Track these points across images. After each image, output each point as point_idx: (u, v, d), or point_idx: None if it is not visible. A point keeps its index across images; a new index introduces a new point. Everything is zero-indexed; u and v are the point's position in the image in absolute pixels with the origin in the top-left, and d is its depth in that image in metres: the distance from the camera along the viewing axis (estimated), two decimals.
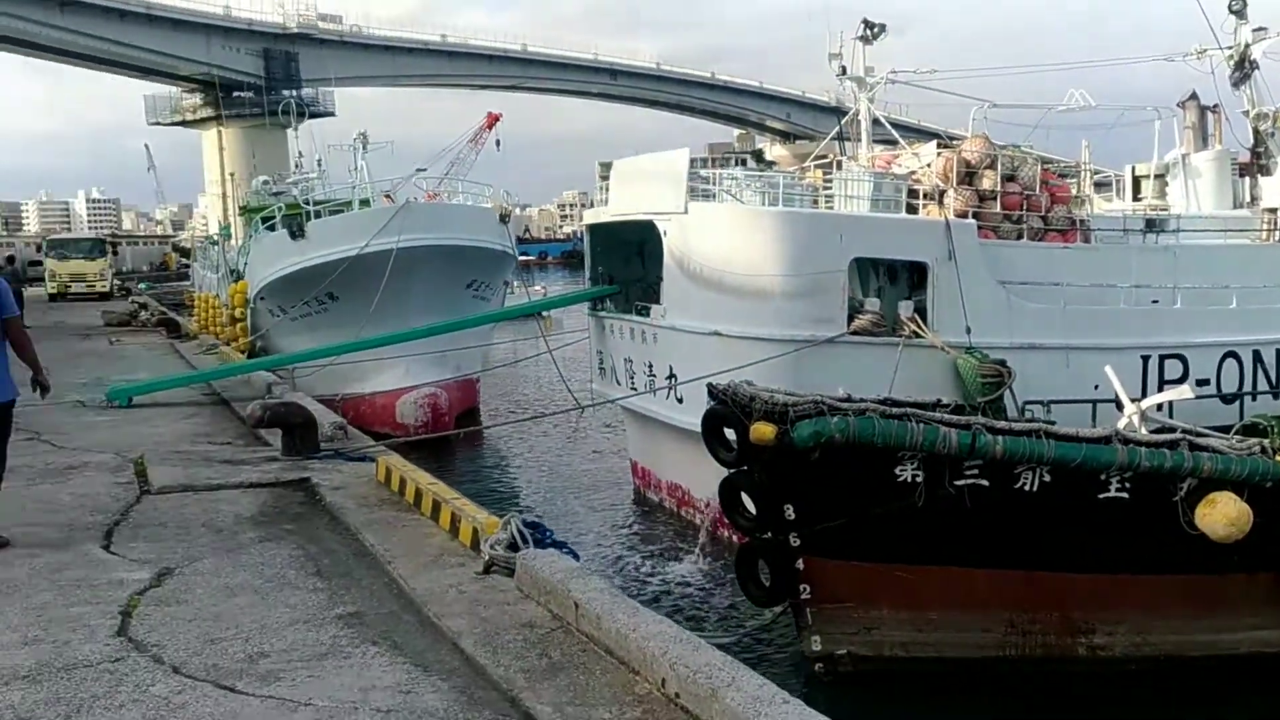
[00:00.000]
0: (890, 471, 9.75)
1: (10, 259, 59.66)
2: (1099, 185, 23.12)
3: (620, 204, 17.50)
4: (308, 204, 26.43)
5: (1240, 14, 21.32)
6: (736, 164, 51.01)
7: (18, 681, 5.82)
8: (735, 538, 13.03)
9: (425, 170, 34.35)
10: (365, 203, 26.98)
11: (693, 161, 16.90)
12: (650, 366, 16.58)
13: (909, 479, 9.77)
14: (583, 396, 20.14)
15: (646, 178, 16.75)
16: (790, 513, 10.12)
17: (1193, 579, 10.17)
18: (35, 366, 9.16)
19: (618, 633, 5.51)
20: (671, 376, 15.84)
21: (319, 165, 37.42)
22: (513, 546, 7.45)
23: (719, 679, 4.57)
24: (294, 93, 73.82)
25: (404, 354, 22.14)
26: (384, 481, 10.55)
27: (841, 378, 12.78)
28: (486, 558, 7.56)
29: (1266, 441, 10.59)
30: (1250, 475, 9.74)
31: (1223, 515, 9.55)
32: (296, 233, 24.40)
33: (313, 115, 72.69)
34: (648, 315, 16.70)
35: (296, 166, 42.20)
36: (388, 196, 27.84)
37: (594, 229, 19.36)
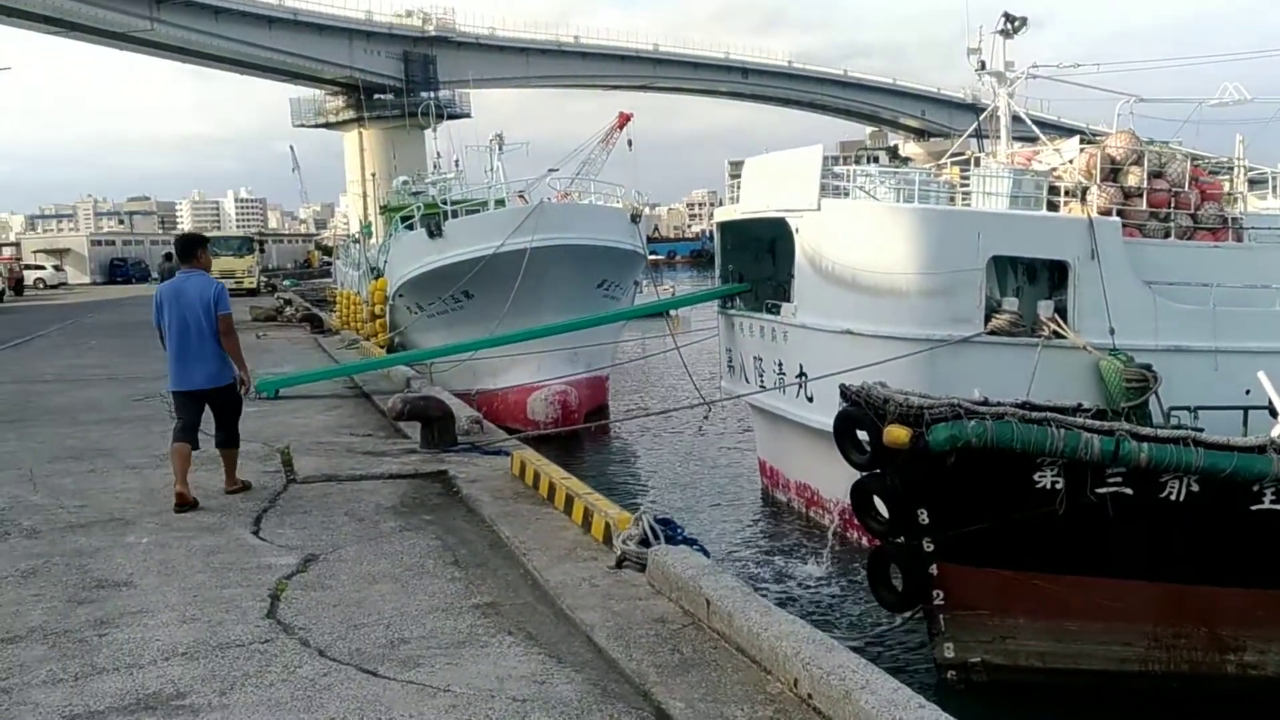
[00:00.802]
0: (1029, 478, 9.52)
1: (168, 256, 62.63)
2: (1254, 183, 22.08)
3: (751, 201, 17.47)
4: (445, 204, 27.11)
5: None
6: (870, 161, 50.41)
7: (177, 658, 6.14)
8: (865, 540, 12.89)
9: (558, 170, 34.95)
10: (500, 203, 27.56)
11: (826, 159, 16.77)
12: (780, 365, 16.51)
13: (1049, 486, 9.52)
14: (711, 395, 20.17)
15: (779, 175, 16.68)
16: (924, 517, 9.96)
17: None
18: (240, 363, 10.18)
19: (749, 631, 5.52)
20: (802, 375, 15.74)
21: (456, 166, 38.34)
22: (644, 542, 7.53)
23: (853, 681, 4.55)
24: (432, 94, 75.61)
25: (536, 351, 22.54)
26: (518, 475, 10.77)
27: (978, 379, 12.52)
28: (619, 552, 7.66)
29: None
30: None
31: None
32: (434, 232, 25.06)
33: (450, 117, 74.39)
34: (778, 313, 16.63)
35: (435, 167, 43.29)
36: (521, 196, 28.39)
37: (724, 227, 19.37)
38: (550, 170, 34.42)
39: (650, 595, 6.93)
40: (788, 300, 16.45)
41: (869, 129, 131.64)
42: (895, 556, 10.30)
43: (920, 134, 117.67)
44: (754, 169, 17.72)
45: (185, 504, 9.59)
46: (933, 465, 9.48)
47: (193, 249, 10.36)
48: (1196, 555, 9.72)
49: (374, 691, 5.64)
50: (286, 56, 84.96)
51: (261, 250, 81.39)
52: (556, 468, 10.49)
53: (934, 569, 10.07)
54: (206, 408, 10.16)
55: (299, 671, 5.92)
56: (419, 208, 28.66)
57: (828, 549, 14.36)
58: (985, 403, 9.73)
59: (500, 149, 31.28)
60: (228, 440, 10.36)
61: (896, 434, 9.49)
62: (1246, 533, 9.49)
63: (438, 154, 45.21)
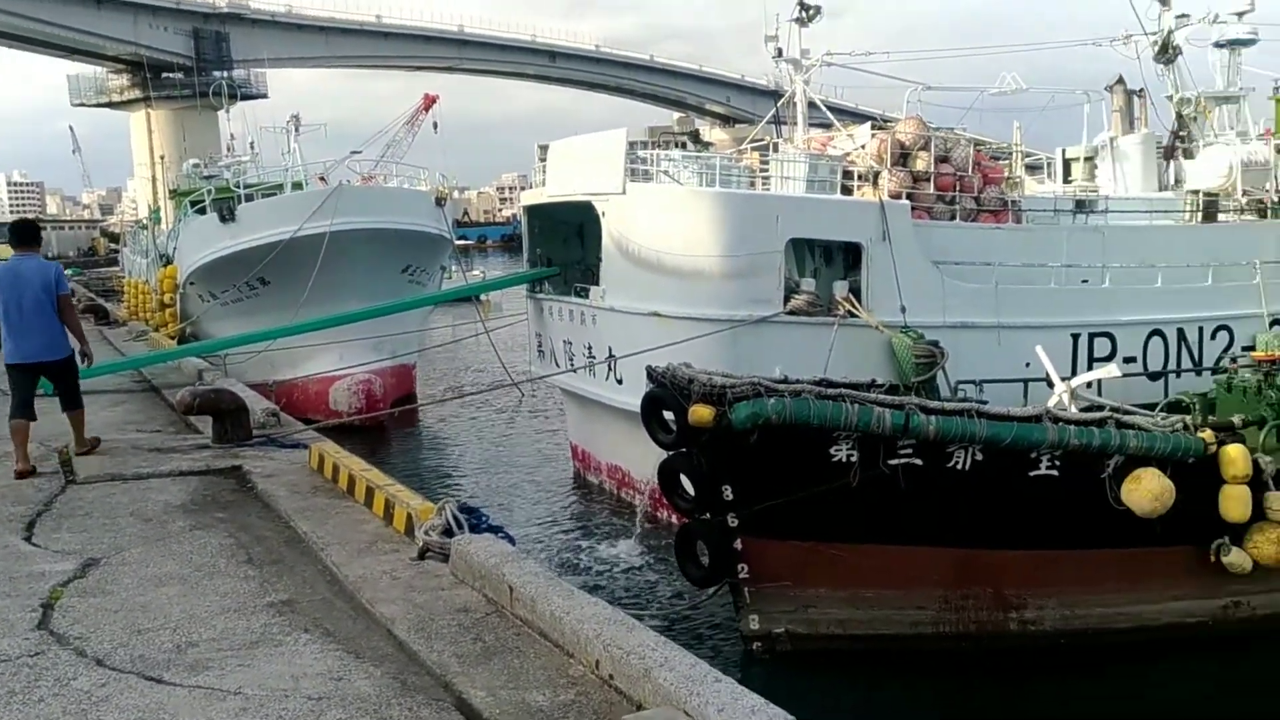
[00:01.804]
0: (826, 452, 9.84)
1: None
2: (1031, 167, 23.49)
3: (558, 185, 17.41)
4: (239, 187, 25.96)
5: (1164, 1, 21.73)
6: (679, 146, 51.07)
7: None
8: (674, 519, 13.08)
9: (360, 153, 33.99)
10: (298, 186, 26.57)
11: (631, 143, 16.88)
12: (589, 348, 16.55)
13: (844, 458, 9.87)
14: (521, 380, 20.07)
15: (584, 159, 16.68)
16: (729, 494, 10.19)
17: (1119, 553, 10.39)
18: (81, 338, 11.00)
19: (552, 616, 5.48)
20: (611, 357, 15.83)
21: (251, 148, 36.77)
22: (447, 532, 7.38)
23: (652, 659, 4.57)
24: (225, 74, 72.38)
25: (337, 339, 21.87)
26: (317, 468, 10.40)
27: (778, 358, 12.89)
28: (421, 544, 7.48)
29: (1188, 418, 10.85)
30: (1173, 452, 9.96)
31: (1147, 491, 9.78)
32: (226, 216, 23.95)
33: (245, 97, 71.16)
34: (586, 297, 16.65)
35: (228, 149, 41.47)
36: (322, 179, 27.47)
37: (531, 210, 19.25)
38: (353, 152, 33.49)
39: (453, 585, 6.80)
40: (596, 284, 16.49)
41: (676, 114, 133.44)
42: (701, 533, 10.50)
43: (726, 120, 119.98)
44: (559, 152, 17.66)
45: (26, 476, 10.18)
46: (736, 442, 9.70)
47: (32, 234, 10.99)
48: (982, 520, 10.25)
49: (157, 699, 5.33)
50: (62, 30, 79.48)
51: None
52: (357, 459, 10.18)
53: (738, 544, 10.31)
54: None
55: (73, 684, 5.53)
56: (210, 191, 27.34)
57: (637, 529, 14.51)
58: (785, 380, 10.00)
59: (297, 130, 30.17)
60: (73, 403, 11.12)
61: (701, 413, 9.66)
62: (1026, 497, 10.08)
63: (231, 136, 43.38)
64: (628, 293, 15.60)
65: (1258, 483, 10.34)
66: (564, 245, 18.88)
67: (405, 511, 8.14)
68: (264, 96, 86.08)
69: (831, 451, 9.87)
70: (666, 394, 9.96)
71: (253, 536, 8.42)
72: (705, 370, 10.10)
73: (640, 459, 14.72)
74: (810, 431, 9.66)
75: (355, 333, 21.54)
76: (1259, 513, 10.36)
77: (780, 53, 18.08)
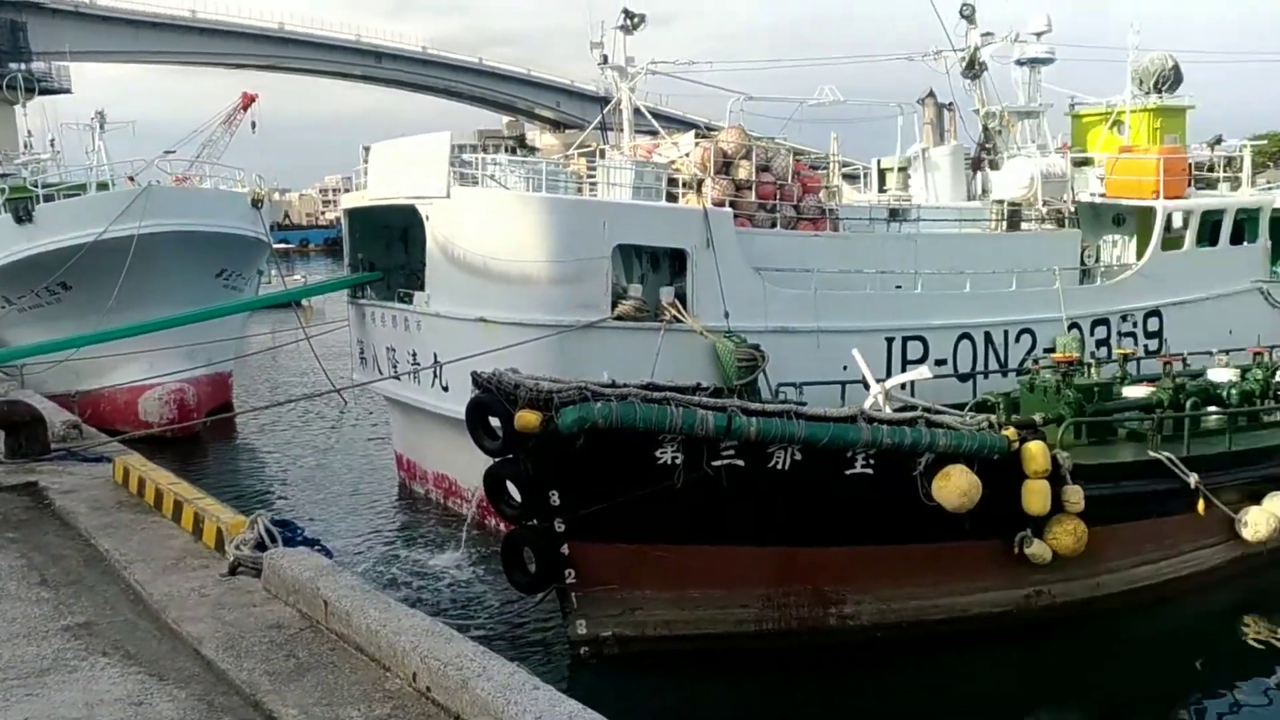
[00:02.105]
0: (651, 454, 9.92)
1: None
2: (850, 177, 24.30)
3: (380, 188, 17.01)
4: (37, 186, 24.42)
5: (970, 19, 22.84)
6: (508, 151, 50.68)
7: None
8: (503, 526, 12.95)
9: (174, 153, 32.53)
10: (104, 186, 25.20)
11: (457, 146, 16.65)
12: (414, 355, 16.23)
13: (669, 461, 9.97)
14: (344, 388, 19.53)
15: (407, 161, 16.35)
16: (556, 499, 10.16)
17: (931, 548, 10.81)
18: None
19: (368, 629, 5.34)
20: (436, 364, 15.55)
21: (51, 145, 34.72)
22: (260, 546, 7.11)
23: (469, 669, 4.49)
24: (22, 66, 68.02)
25: (147, 347, 20.78)
26: (121, 482, 9.88)
27: (606, 363, 12.91)
28: (232, 559, 7.19)
29: (993, 417, 11.39)
30: (979, 449, 10.43)
31: (955, 487, 10.22)
32: (23, 217, 22.48)
33: (44, 91, 67.06)
34: (410, 302, 16.33)
35: (26, 146, 39.03)
36: (131, 180, 26.10)
37: (353, 213, 18.74)
38: (166, 152, 32.01)
39: (266, 601, 6.55)
40: (421, 289, 16.19)
41: (506, 118, 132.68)
42: (528, 539, 10.42)
43: (556, 125, 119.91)
44: (381, 154, 17.25)
45: None
46: (562, 447, 9.67)
47: None
48: (801, 519, 10.52)
49: None
50: None
51: None
52: (165, 472, 9.72)
53: (565, 548, 10.29)
54: None
55: None
56: (3, 190, 25.62)
57: (464, 538, 14.28)
58: (612, 385, 10.05)
59: (102, 128, 28.64)
60: None
61: (527, 418, 9.60)
62: (843, 496, 10.38)
63: (29, 132, 40.84)
64: (453, 298, 15.37)
65: (1056, 477, 10.93)
66: (387, 250, 18.46)
67: (215, 526, 7.82)
68: (67, 91, 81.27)
69: (657, 454, 9.95)
70: (492, 399, 9.87)
71: (48, 557, 7.93)
72: (532, 376, 10.05)
73: (468, 467, 14.52)
74: (636, 435, 9.72)
75: (166, 340, 20.51)
76: (1058, 505, 10.95)
77: (606, 59, 18.15)
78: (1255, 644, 11.39)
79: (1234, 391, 14.55)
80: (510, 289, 14.82)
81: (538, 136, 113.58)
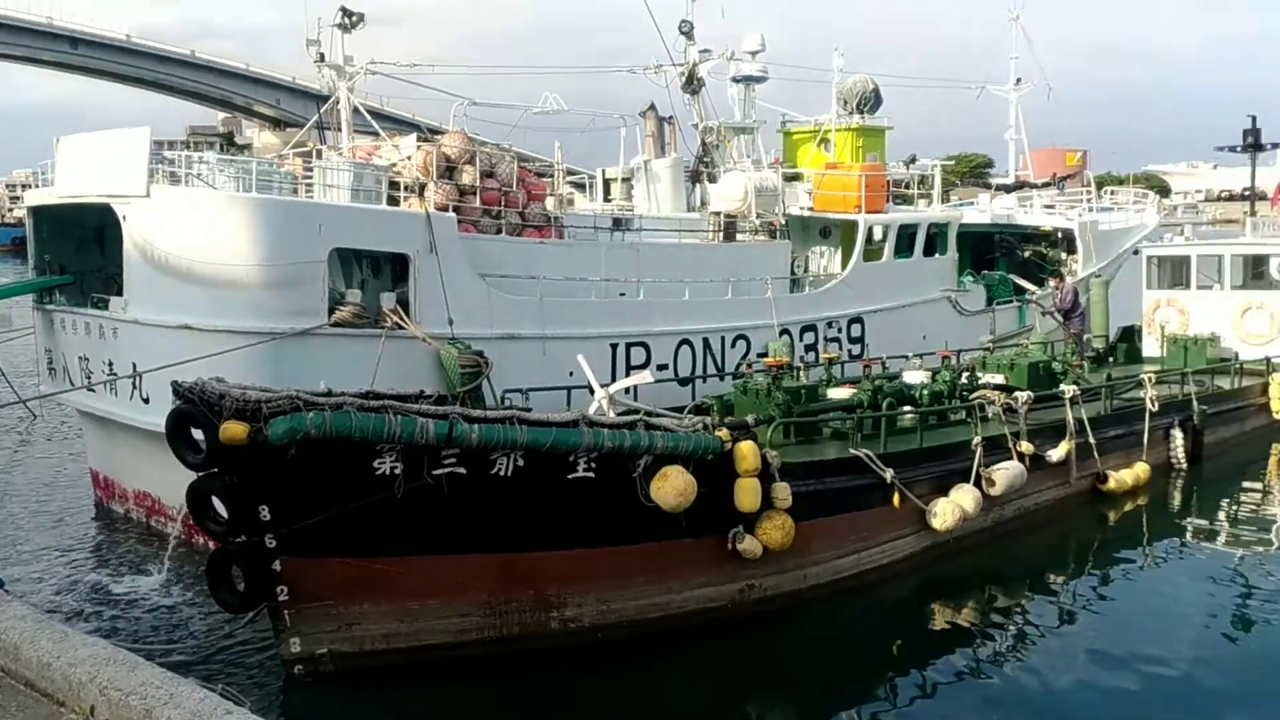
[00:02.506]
0: (369, 465, 9.65)
1: None
2: (578, 186, 24.64)
3: (69, 185, 15.68)
4: None
5: (689, 35, 23.73)
6: (222, 149, 48.24)
7: None
8: (212, 544, 12.25)
9: None
10: None
11: (160, 143, 15.64)
12: (110, 365, 15.08)
13: (388, 471, 9.72)
14: (30, 399, 17.93)
15: (101, 157, 15.17)
16: (266, 514, 9.71)
17: (650, 547, 11.06)
18: None
19: (40, 662, 4.88)
20: (135, 374, 14.52)
21: None
22: None
23: (155, 698, 4.19)
24: None
25: None
26: None
27: (324, 371, 12.50)
28: None
29: (708, 419, 11.80)
30: (695, 450, 10.76)
31: (672, 487, 10.50)
32: None
33: None
34: (106, 308, 15.17)
35: None
36: None
37: (39, 212, 17.15)
38: None
39: None
40: (118, 294, 15.07)
41: (222, 115, 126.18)
42: (236, 557, 9.91)
43: (277, 123, 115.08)
44: (72, 149, 15.89)
45: None
46: (273, 460, 9.25)
47: None
48: (524, 525, 10.51)
49: None
50: None
51: None
52: None
53: (277, 565, 9.85)
54: None
55: None
56: None
57: (168, 559, 13.42)
58: (329, 393, 9.68)
59: None
60: None
61: (233, 430, 9.13)
62: (565, 500, 10.46)
63: None
64: (154, 304, 14.38)
65: (766, 475, 11.44)
66: (79, 251, 17.08)
67: None
68: None
69: (375, 464, 9.68)
70: (195, 410, 9.30)
71: None
72: (239, 385, 9.54)
73: (172, 484, 13.63)
74: (353, 445, 9.43)
75: None
76: (768, 502, 11.46)
77: (323, 57, 17.58)
78: (944, 623, 12.38)
79: (925, 392, 15.74)
80: (218, 294, 14.06)
81: (257, 135, 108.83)
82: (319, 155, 17.05)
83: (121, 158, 14.63)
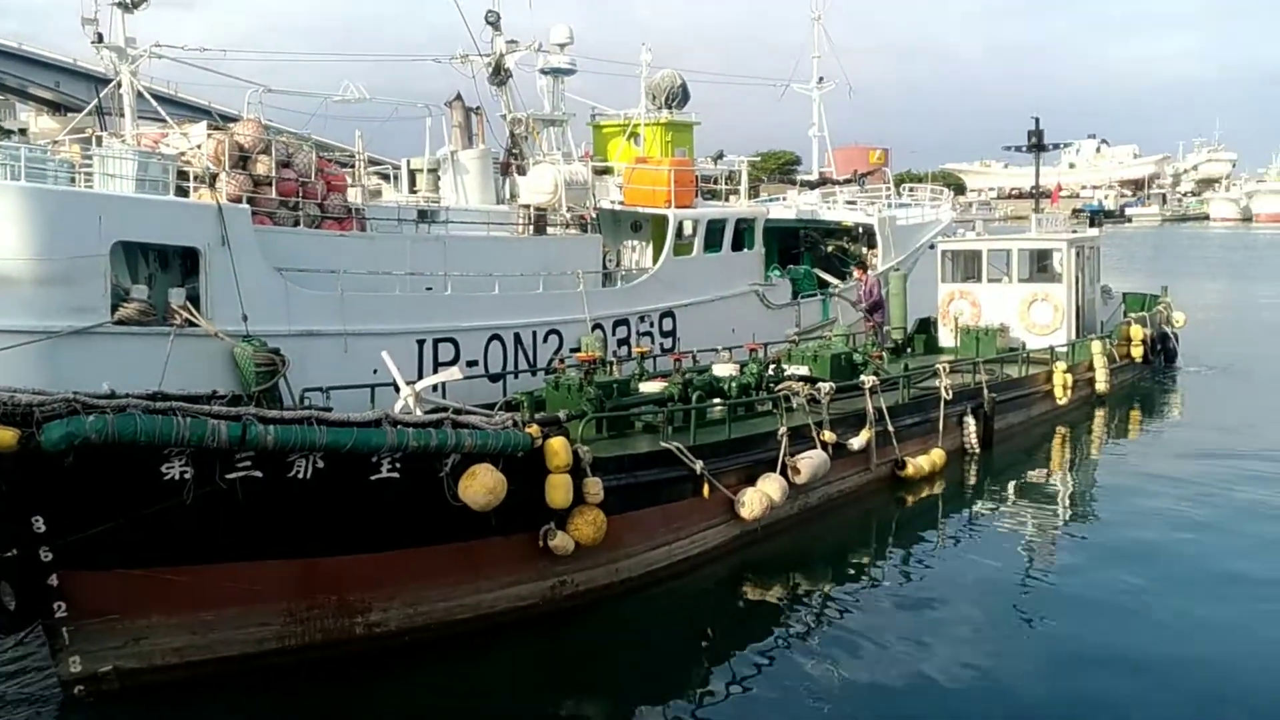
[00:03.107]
0: (157, 470, 9.13)
1: None
2: (384, 176, 24.04)
3: None
4: None
5: (495, 25, 23.48)
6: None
7: None
8: None
9: None
10: None
11: None
12: None
13: (177, 476, 9.22)
14: None
15: None
16: (40, 525, 9.05)
17: (459, 547, 10.85)
18: None
19: None
20: None
21: None
22: None
23: None
24: None
25: None
26: None
27: (108, 372, 11.73)
28: None
29: (518, 415, 11.64)
30: (504, 447, 10.60)
31: (481, 485, 10.31)
32: None
33: None
34: None
35: None
36: None
37: None
38: None
39: None
40: None
41: None
42: (6, 572, 9.18)
43: (56, 107, 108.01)
44: None
45: None
46: (48, 467, 8.64)
47: None
48: (326, 528, 10.14)
49: None
50: None
51: None
52: None
53: (54, 579, 9.20)
54: None
55: None
56: None
57: None
58: (112, 395, 9.09)
59: None
60: None
61: (2, 436, 8.44)
62: (368, 502, 10.14)
63: None
64: None
65: (578, 470, 11.38)
66: None
67: None
68: None
69: (163, 469, 9.16)
70: None
71: None
72: (8, 387, 8.84)
73: None
74: (137, 449, 8.88)
75: None
76: (580, 497, 11.40)
77: (100, 38, 16.54)
78: (753, 608, 12.66)
79: (733, 385, 16.04)
80: None
81: (33, 119, 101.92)
82: (99, 142, 16.02)
83: None
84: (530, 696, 10.28)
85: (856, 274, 26.24)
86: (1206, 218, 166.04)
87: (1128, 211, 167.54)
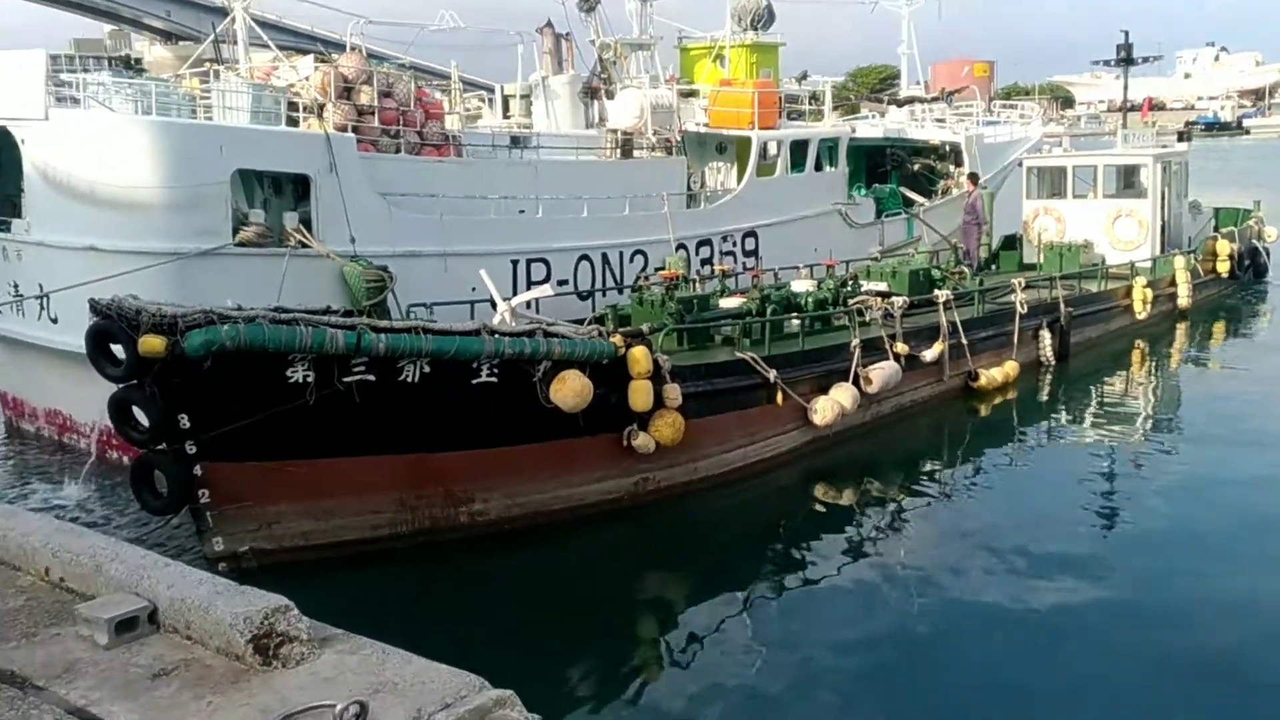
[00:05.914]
0: (282, 374, 10.25)
1: None
2: (481, 99, 24.90)
3: None
4: None
5: None
6: (121, 66, 46.70)
7: None
8: (126, 458, 12.75)
9: None
10: None
11: (56, 58, 15.65)
12: (15, 286, 15.27)
13: (300, 379, 10.35)
14: None
15: None
16: (185, 422, 10.27)
17: (552, 445, 11.91)
18: None
19: None
20: (42, 295, 14.77)
21: None
22: None
23: (103, 555, 4.84)
24: None
25: None
26: None
27: (230, 290, 12.93)
28: None
29: (603, 326, 12.62)
30: (591, 355, 11.59)
31: (570, 389, 11.34)
32: None
33: None
34: (8, 230, 15.31)
35: None
36: None
37: None
38: None
39: None
40: (19, 216, 15.22)
41: (108, 27, 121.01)
42: (159, 463, 10.47)
43: (168, 36, 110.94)
44: None
45: None
46: (190, 370, 9.81)
47: None
48: (433, 426, 11.26)
49: None
50: None
51: None
52: None
53: (198, 470, 10.45)
54: None
55: None
56: None
57: (86, 471, 13.88)
58: (239, 309, 10.23)
59: None
60: None
61: (152, 343, 9.63)
62: (470, 403, 11.21)
63: None
64: (59, 226, 14.59)
65: (658, 377, 12.33)
66: None
67: None
68: None
69: (288, 373, 10.29)
70: (114, 326, 9.78)
71: None
72: (154, 302, 10.03)
73: (83, 400, 14.05)
74: (266, 355, 10.02)
75: None
76: (660, 402, 12.37)
77: None
78: (820, 507, 13.50)
79: (810, 300, 16.75)
80: (123, 216, 14.31)
81: (148, 49, 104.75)
82: (216, 76, 17.17)
83: (17, 80, 14.66)
84: (615, 578, 11.35)
85: (967, 185, 26.29)
86: None
87: (1245, 123, 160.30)
